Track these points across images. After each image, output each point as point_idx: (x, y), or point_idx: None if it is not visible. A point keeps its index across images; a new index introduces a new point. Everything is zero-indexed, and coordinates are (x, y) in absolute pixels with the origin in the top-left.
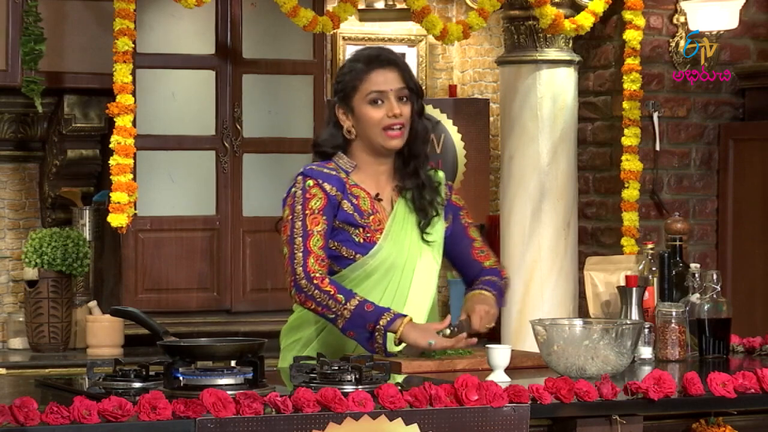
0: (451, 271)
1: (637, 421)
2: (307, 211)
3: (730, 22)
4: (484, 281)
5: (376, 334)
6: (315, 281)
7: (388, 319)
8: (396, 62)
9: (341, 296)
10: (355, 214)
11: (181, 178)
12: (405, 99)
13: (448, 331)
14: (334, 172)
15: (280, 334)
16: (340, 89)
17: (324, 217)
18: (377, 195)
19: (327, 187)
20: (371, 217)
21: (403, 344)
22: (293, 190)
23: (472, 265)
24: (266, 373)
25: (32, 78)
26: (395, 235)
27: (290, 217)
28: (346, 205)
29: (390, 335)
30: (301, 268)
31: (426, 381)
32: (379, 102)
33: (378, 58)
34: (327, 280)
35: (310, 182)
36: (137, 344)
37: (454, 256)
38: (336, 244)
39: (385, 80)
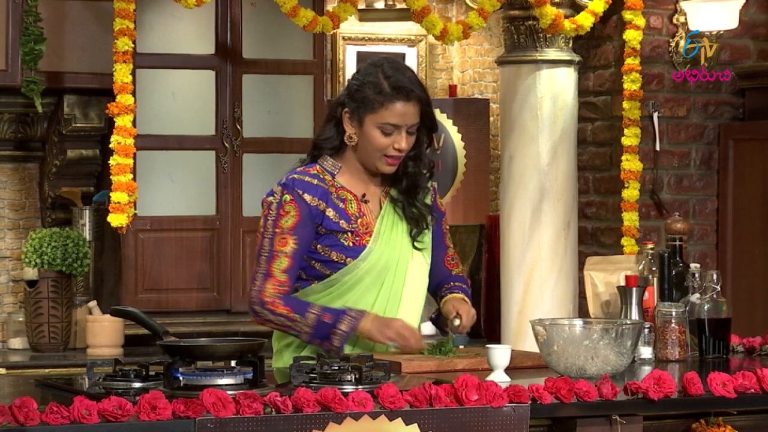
0: None
1: (637, 421)
2: (276, 230)
3: (730, 22)
4: (456, 286)
5: (334, 338)
6: (267, 306)
7: (349, 322)
8: (418, 96)
9: (297, 315)
10: (342, 221)
11: (181, 178)
12: (413, 132)
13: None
14: (316, 180)
15: (272, 336)
16: (357, 98)
17: (294, 237)
18: (363, 195)
19: (307, 197)
20: (359, 221)
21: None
22: (271, 199)
23: (442, 271)
24: (267, 372)
25: (32, 78)
26: (385, 236)
27: (261, 230)
28: (330, 213)
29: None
30: (255, 292)
31: (426, 381)
32: (390, 131)
33: (402, 89)
34: (279, 301)
35: (287, 197)
36: (137, 344)
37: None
38: (325, 249)
39: (404, 114)
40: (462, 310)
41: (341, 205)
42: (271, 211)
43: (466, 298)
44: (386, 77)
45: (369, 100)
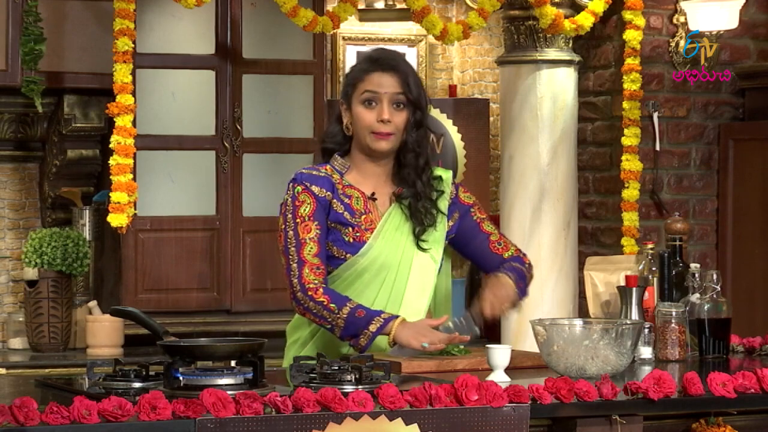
0: (455, 270)
1: (637, 421)
2: (297, 219)
3: (730, 22)
4: (505, 266)
5: (361, 337)
6: (309, 292)
7: (379, 324)
8: (397, 68)
9: (334, 305)
10: (346, 213)
11: (181, 178)
12: (401, 106)
13: (450, 324)
14: (323, 174)
15: (279, 333)
16: (345, 84)
17: (315, 223)
18: (372, 194)
19: (315, 189)
20: (363, 217)
21: (396, 345)
22: (285, 197)
23: (492, 259)
24: (267, 372)
25: (32, 78)
26: (388, 234)
27: (283, 226)
28: (336, 205)
29: (381, 339)
30: (296, 280)
31: (426, 381)
32: (372, 104)
33: (379, 60)
34: (321, 289)
35: (299, 188)
36: (137, 344)
37: (471, 253)
38: (328, 243)
39: (381, 83)
40: (485, 297)
41: (347, 200)
42: (287, 207)
43: (502, 276)
44: (365, 58)
45: (352, 80)
